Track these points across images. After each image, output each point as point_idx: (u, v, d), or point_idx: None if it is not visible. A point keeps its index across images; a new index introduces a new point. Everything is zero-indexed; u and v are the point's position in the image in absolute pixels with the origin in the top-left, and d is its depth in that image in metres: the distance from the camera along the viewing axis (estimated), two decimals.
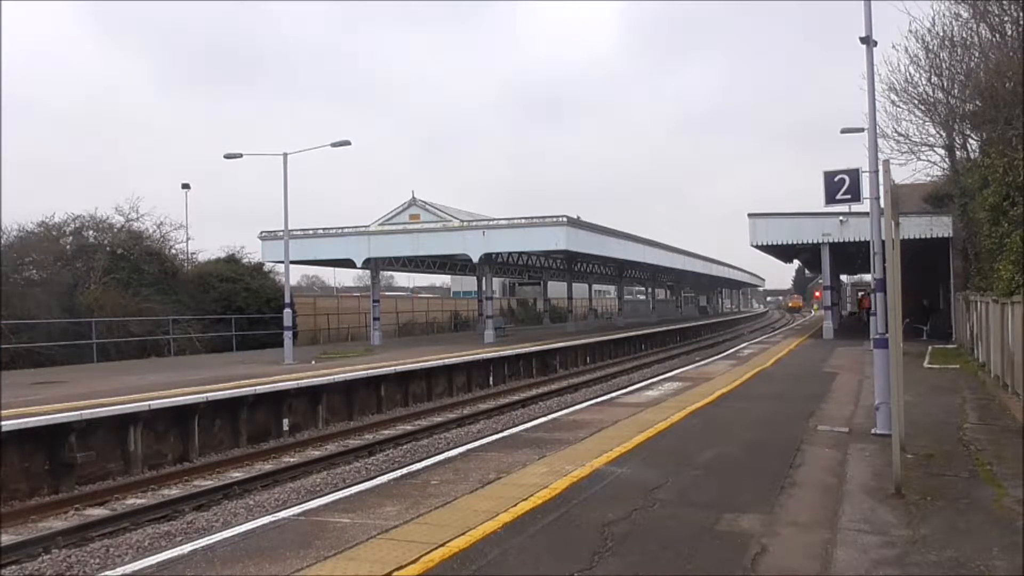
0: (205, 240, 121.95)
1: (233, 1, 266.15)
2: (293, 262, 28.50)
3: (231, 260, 34.80)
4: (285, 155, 23.79)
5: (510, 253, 36.71)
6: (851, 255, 37.92)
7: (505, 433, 11.23)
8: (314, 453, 14.25)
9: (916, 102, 23.16)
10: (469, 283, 58.00)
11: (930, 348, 22.93)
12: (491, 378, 23.84)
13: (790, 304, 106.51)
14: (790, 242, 34.15)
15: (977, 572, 5.07)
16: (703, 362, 23.94)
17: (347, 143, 24.36)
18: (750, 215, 33.13)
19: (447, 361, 21.88)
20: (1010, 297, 12.39)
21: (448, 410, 19.22)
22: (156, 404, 13.14)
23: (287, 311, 24.22)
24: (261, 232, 31.48)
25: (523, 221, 29.67)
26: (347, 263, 34.13)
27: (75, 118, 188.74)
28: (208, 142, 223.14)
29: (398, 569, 5.18)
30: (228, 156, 24.14)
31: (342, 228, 31.63)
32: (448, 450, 10.14)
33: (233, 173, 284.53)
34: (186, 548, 5.89)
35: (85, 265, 28.28)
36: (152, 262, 30.20)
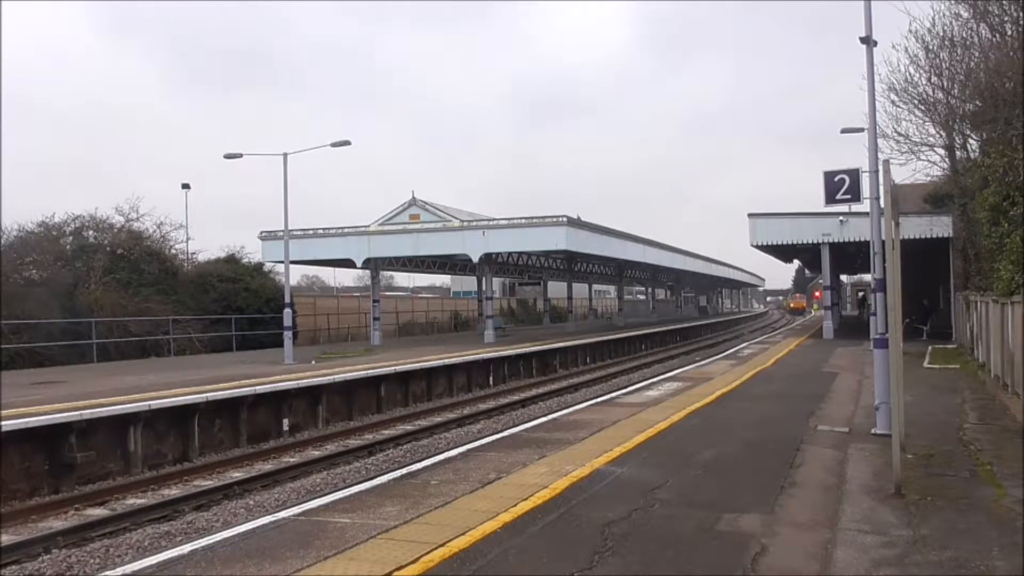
0: (205, 240, 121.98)
1: (233, 1, 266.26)
2: (293, 262, 28.50)
3: (231, 260, 34.81)
4: (285, 155, 23.80)
5: (510, 253, 36.72)
6: (851, 255, 37.95)
7: (505, 433, 11.24)
8: (314, 453, 14.25)
9: (916, 102, 23.16)
10: (469, 283, 58.01)
11: (930, 348, 22.93)
12: (491, 378, 23.84)
13: (791, 304, 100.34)
14: (790, 242, 34.17)
15: (977, 572, 5.07)
16: (703, 362, 23.95)
17: (347, 143, 24.37)
18: (750, 215, 33.15)
19: (447, 361, 21.88)
20: (1010, 297, 12.39)
21: (448, 410, 19.22)
22: (156, 404, 13.14)
23: (287, 311, 24.23)
24: (261, 232, 31.49)
25: (523, 221, 29.68)
26: (347, 263, 34.13)
27: (75, 118, 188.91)
28: (208, 142, 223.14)
29: (398, 569, 5.18)
30: (228, 156, 24.15)
31: (342, 228, 31.64)
32: (448, 450, 10.14)
33: (233, 173, 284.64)
34: (186, 548, 5.89)
35: (85, 265, 28.28)
36: (152, 262, 30.20)
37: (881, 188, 8.48)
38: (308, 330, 36.77)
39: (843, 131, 21.56)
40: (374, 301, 35.24)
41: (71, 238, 30.19)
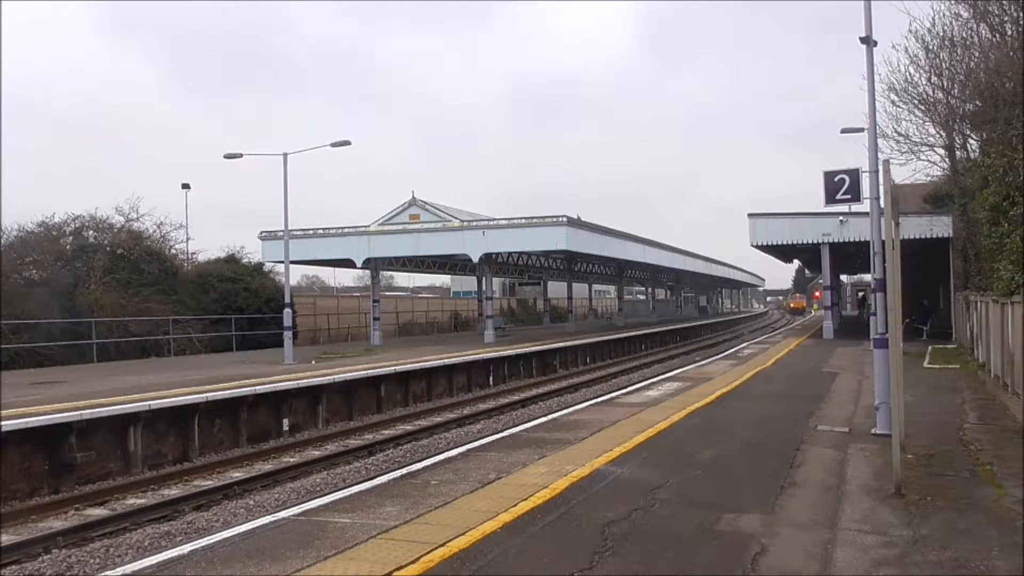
0: (205, 240, 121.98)
1: (233, 1, 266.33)
2: (293, 262, 28.50)
3: (231, 260, 34.82)
4: (285, 155, 23.80)
5: (510, 253, 36.72)
6: (851, 255, 37.95)
7: (505, 433, 11.24)
8: (314, 453, 14.25)
9: (916, 102, 23.17)
10: (469, 283, 58.01)
11: (930, 348, 22.93)
12: (491, 378, 23.84)
13: (791, 304, 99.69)
14: (790, 242, 34.17)
15: (977, 572, 5.07)
16: (703, 362, 23.94)
17: (347, 143, 24.37)
18: (750, 215, 33.15)
19: (447, 361, 21.88)
20: (1010, 297, 12.39)
21: (448, 410, 19.22)
22: (156, 404, 13.14)
23: (287, 311, 24.23)
24: (261, 232, 31.50)
25: (523, 221, 29.68)
26: (347, 263, 34.14)
27: (75, 118, 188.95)
28: (208, 142, 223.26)
29: (398, 569, 5.18)
30: (228, 156, 24.15)
31: (342, 228, 31.64)
32: (448, 450, 10.14)
33: (233, 173, 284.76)
34: (186, 548, 5.89)
35: (85, 265, 28.29)
36: (152, 262, 30.21)
37: (881, 188, 8.48)
38: (308, 330, 36.77)
39: (843, 131, 21.57)
40: (374, 301, 35.24)
41: (71, 238, 30.19)
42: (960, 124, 23.13)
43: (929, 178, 28.52)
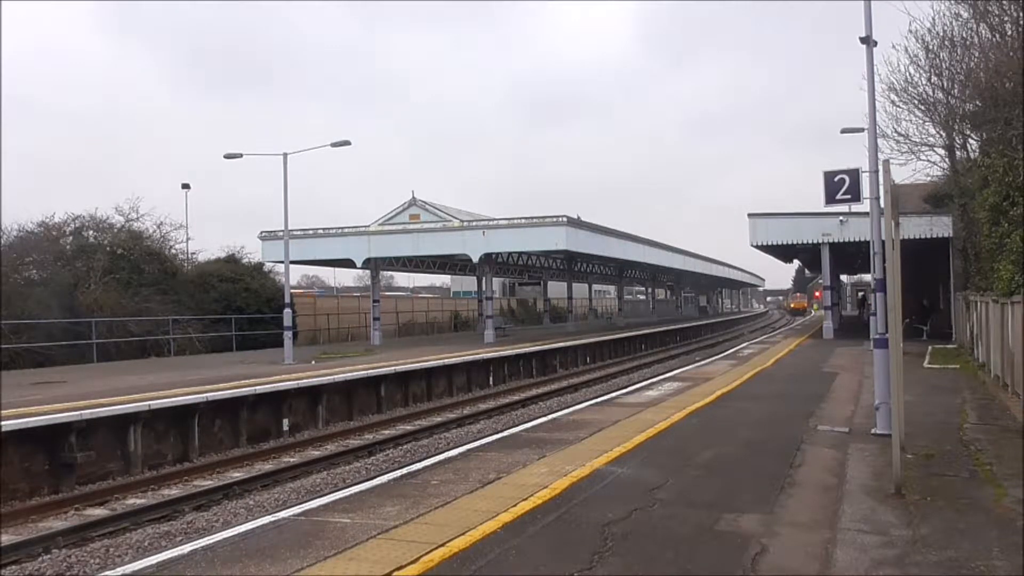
0: (205, 240, 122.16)
1: (233, 1, 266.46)
2: (293, 262, 28.51)
3: (231, 260, 34.83)
4: (285, 155, 23.81)
5: (510, 253, 36.72)
6: (851, 255, 37.93)
7: (505, 433, 11.23)
8: (314, 453, 14.25)
9: (916, 102, 23.17)
10: (469, 283, 58.01)
11: (930, 348, 22.93)
12: (491, 378, 23.84)
13: (792, 304, 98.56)
14: (790, 242, 34.15)
15: (977, 572, 5.07)
16: (703, 362, 23.94)
17: (347, 143, 24.38)
18: (750, 215, 33.14)
19: (447, 361, 21.88)
20: (1010, 297, 12.40)
21: (448, 410, 19.22)
22: (156, 404, 13.14)
23: (287, 311, 24.24)
24: (261, 232, 31.51)
25: (523, 221, 29.69)
26: (347, 263, 34.15)
27: (75, 118, 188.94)
28: (208, 142, 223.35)
29: (398, 569, 5.18)
30: (228, 156, 24.16)
31: (342, 228, 31.65)
32: (448, 450, 10.14)
33: (233, 173, 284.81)
34: (186, 548, 5.89)
35: (85, 265, 28.30)
36: (152, 262, 30.22)
37: (881, 188, 8.48)
38: (308, 330, 36.77)
39: (843, 131, 21.56)
40: (374, 301, 35.25)
41: (71, 238, 30.21)
42: (960, 124, 23.13)
43: (929, 178, 28.53)
